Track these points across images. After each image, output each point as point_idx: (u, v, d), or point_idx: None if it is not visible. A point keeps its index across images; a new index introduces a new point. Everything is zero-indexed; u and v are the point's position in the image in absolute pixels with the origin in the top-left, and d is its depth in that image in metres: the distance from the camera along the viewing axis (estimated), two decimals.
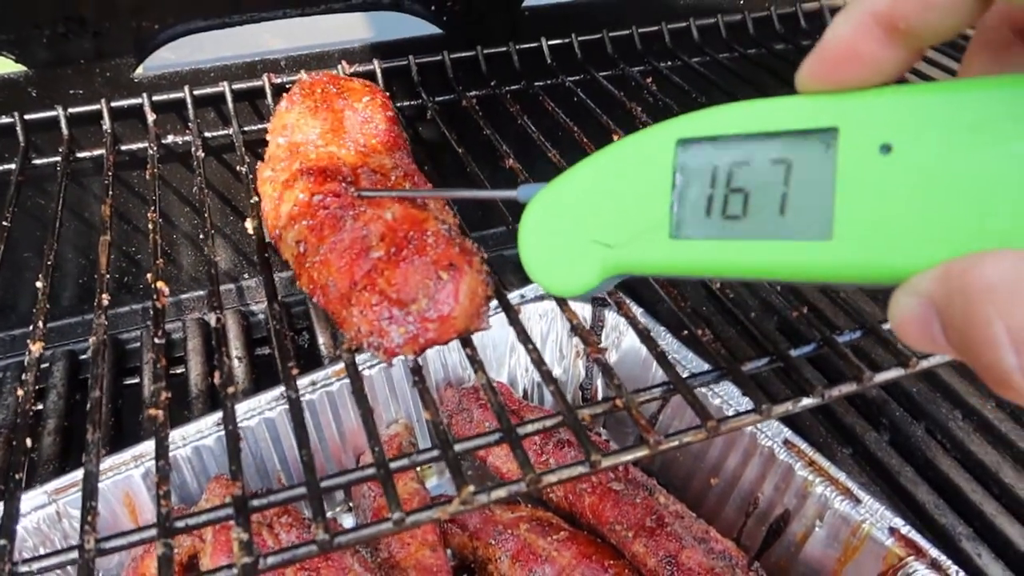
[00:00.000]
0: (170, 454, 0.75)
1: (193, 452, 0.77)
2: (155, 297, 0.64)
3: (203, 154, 0.83)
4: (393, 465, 0.50)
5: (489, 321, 0.56)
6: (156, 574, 0.59)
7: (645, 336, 0.61)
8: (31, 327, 0.62)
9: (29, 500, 0.72)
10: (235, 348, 1.05)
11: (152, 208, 0.74)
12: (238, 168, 0.83)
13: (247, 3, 0.89)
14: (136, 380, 1.03)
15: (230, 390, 0.55)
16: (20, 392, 0.55)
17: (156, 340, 0.60)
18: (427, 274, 0.54)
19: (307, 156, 0.68)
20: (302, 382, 0.82)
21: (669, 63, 1.06)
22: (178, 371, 1.04)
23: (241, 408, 0.80)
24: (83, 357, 1.06)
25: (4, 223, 0.73)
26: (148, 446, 0.76)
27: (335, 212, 0.60)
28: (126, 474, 0.74)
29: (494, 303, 0.91)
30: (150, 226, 0.72)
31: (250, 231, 0.70)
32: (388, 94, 0.81)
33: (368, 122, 0.74)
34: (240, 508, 0.47)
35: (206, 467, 0.78)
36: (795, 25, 1.16)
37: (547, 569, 0.75)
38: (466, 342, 0.56)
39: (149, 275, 0.67)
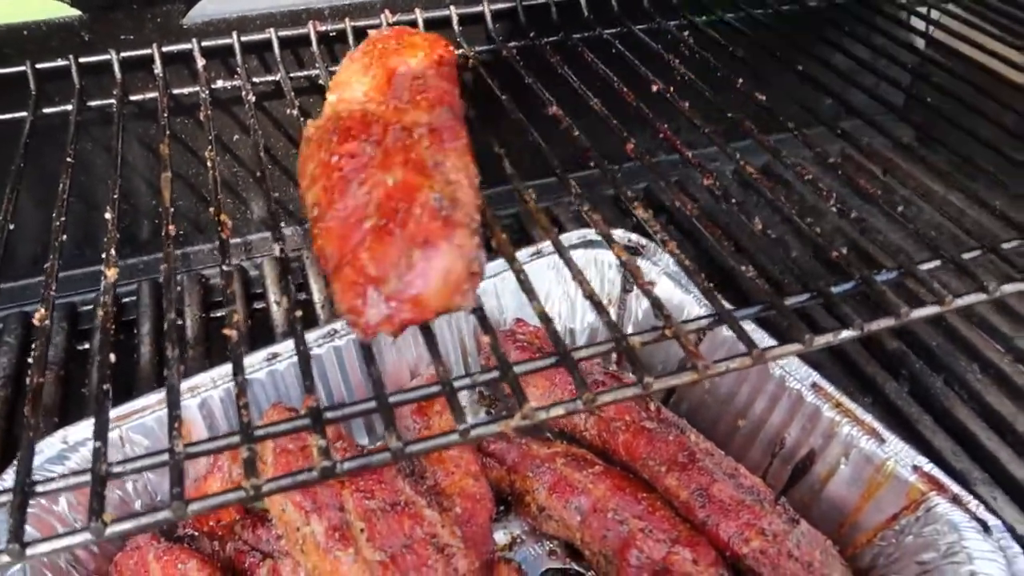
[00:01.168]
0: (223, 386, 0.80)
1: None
2: (219, 230, 0.67)
3: (253, 98, 0.86)
4: (457, 384, 0.53)
5: (473, 298, 0.56)
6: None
7: (690, 271, 0.64)
8: (103, 255, 0.65)
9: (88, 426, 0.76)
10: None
11: (210, 147, 0.77)
12: (288, 111, 0.85)
13: None
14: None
15: (298, 313, 0.59)
16: (101, 313, 0.59)
17: (224, 267, 0.63)
18: (402, 251, 0.54)
19: (344, 114, 0.70)
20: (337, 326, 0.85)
21: (704, 17, 1.08)
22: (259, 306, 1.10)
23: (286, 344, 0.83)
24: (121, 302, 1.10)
25: (68, 159, 0.76)
26: (206, 376, 0.80)
27: (347, 174, 0.61)
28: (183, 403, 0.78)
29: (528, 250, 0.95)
30: (209, 164, 0.75)
31: None
32: (451, 47, 0.82)
33: (418, 78, 0.75)
34: (316, 418, 0.51)
35: (257, 398, 0.82)
36: None
37: (583, 500, 0.79)
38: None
39: (212, 209, 0.70)
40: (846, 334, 0.56)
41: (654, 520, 0.76)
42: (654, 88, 0.91)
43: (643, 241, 1.00)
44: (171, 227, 0.67)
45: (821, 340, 0.56)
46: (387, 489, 0.70)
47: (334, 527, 0.66)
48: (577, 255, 0.97)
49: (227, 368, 0.80)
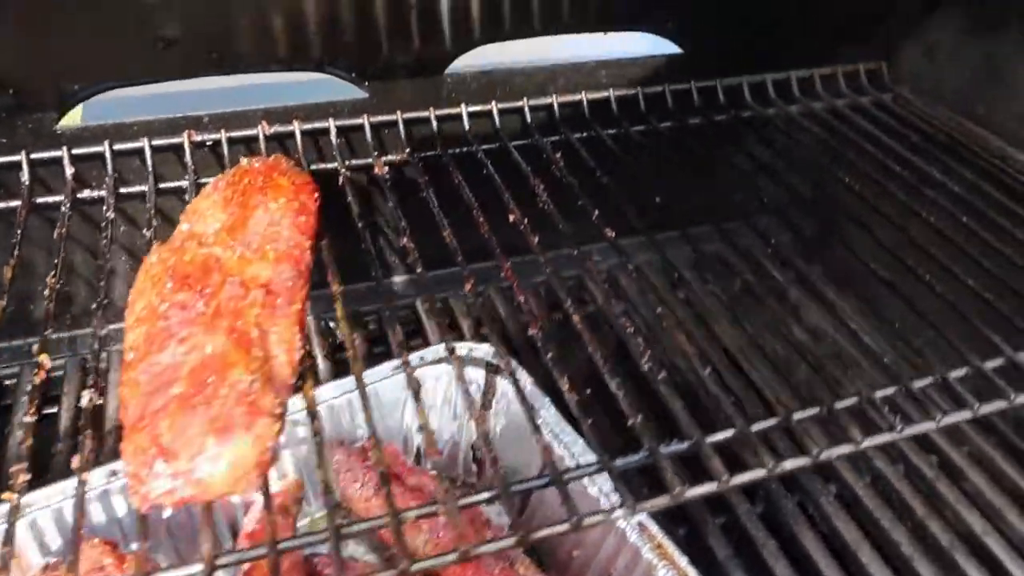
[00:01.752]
0: None
1: None
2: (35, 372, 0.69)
3: (112, 215, 0.88)
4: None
5: (259, 484, 0.58)
6: None
7: (532, 419, 0.66)
8: None
9: None
10: None
11: (53, 273, 0.79)
12: (144, 231, 0.86)
13: (165, 68, 0.92)
14: None
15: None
16: None
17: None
18: (199, 431, 0.56)
19: (189, 251, 0.72)
20: None
21: (611, 130, 1.11)
22: None
23: None
24: None
25: None
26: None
27: (172, 327, 0.63)
28: None
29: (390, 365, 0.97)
30: (48, 286, 0.77)
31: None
32: (317, 194, 0.83)
33: (273, 225, 0.76)
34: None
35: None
36: (712, 101, 1.20)
37: None
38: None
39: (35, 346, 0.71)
40: (660, 501, 0.59)
41: None
42: (511, 217, 0.93)
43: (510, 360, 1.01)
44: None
45: (644, 505, 0.59)
46: None
47: None
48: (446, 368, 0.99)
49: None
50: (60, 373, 1.06)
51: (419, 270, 0.83)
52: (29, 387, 0.71)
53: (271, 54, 0.97)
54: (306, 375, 0.71)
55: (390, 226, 1.15)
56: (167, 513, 0.59)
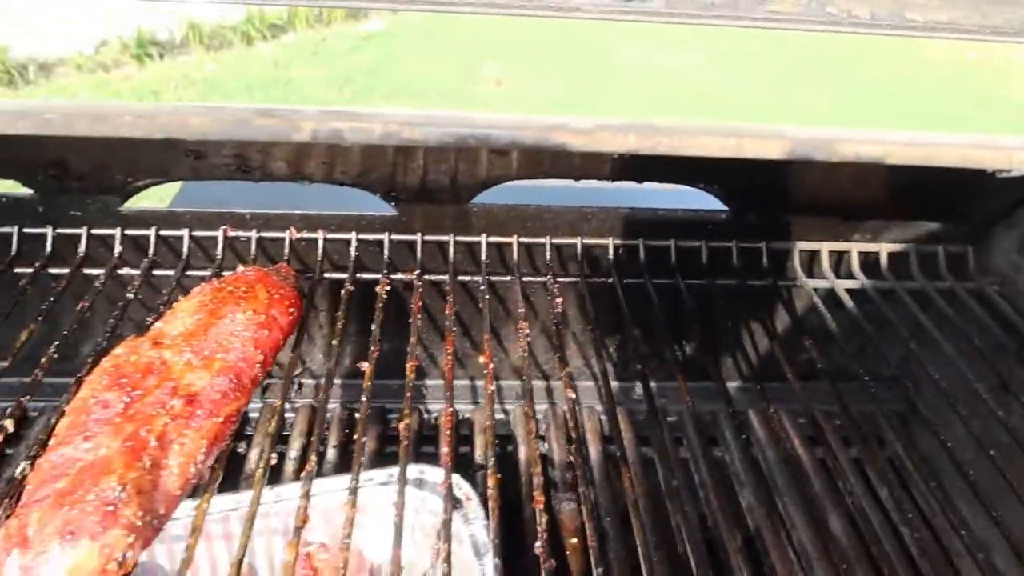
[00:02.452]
0: None
1: None
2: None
3: (132, 295, 0.98)
4: None
5: None
6: None
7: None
8: None
9: None
10: None
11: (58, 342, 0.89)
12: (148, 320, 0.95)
13: (201, 173, 1.02)
14: None
15: None
16: None
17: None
18: (53, 531, 0.61)
19: (142, 351, 0.79)
20: None
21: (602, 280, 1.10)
22: None
23: None
24: None
25: None
26: None
27: (87, 422, 0.70)
28: None
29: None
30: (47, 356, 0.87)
31: None
32: (293, 310, 0.89)
33: (232, 336, 0.82)
34: None
35: None
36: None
37: None
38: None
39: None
40: None
41: None
42: (482, 359, 0.93)
43: (472, 494, 1.01)
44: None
45: None
46: None
47: None
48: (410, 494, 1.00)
49: None
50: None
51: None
52: None
53: (304, 173, 1.05)
54: (206, 487, 0.76)
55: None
56: None
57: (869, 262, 1.16)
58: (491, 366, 0.91)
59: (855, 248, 1.15)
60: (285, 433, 1.22)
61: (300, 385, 1.31)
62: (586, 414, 1.25)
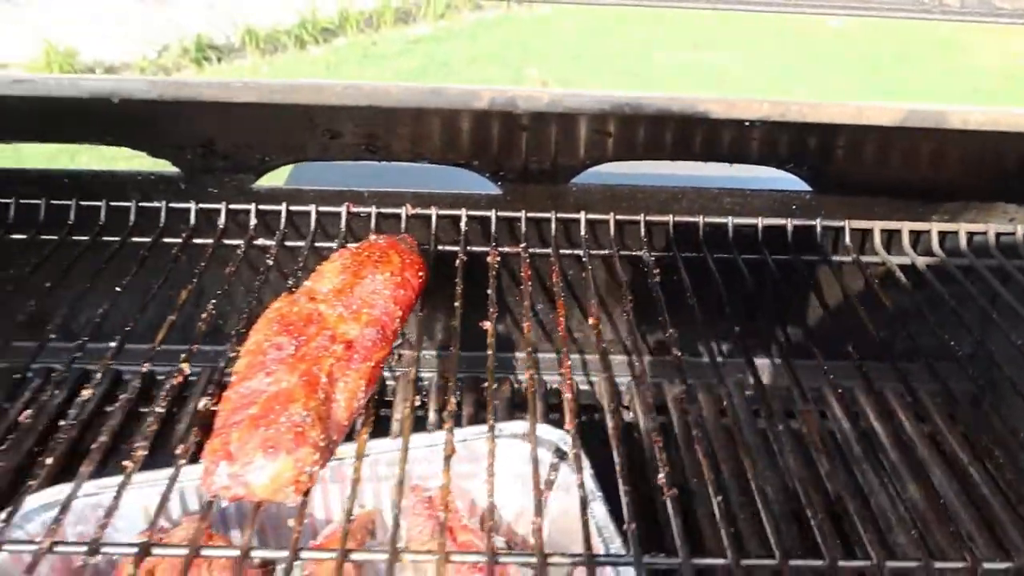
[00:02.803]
0: None
1: None
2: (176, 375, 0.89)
3: (271, 263, 1.09)
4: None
5: (296, 497, 0.74)
6: None
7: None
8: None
9: None
10: None
11: (214, 301, 1.00)
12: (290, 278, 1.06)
13: (334, 151, 1.13)
14: None
15: None
16: None
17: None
18: (255, 446, 0.72)
19: (300, 304, 0.89)
20: None
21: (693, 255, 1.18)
22: None
23: None
24: None
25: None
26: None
27: (266, 362, 0.80)
28: None
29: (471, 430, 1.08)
30: (207, 311, 0.98)
31: None
32: (422, 274, 0.99)
33: (374, 294, 0.93)
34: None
35: None
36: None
37: None
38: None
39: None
40: None
41: None
42: (590, 320, 1.02)
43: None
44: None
45: None
46: None
47: None
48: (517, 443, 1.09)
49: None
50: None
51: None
52: (168, 387, 0.90)
53: (422, 153, 1.15)
54: (365, 423, 0.86)
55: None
56: (224, 503, 0.75)
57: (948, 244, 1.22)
58: (599, 328, 1.00)
59: (935, 228, 1.21)
60: (388, 399, 1.32)
61: (399, 356, 1.40)
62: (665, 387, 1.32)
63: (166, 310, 1.01)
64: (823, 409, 1.28)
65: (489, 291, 1.06)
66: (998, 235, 1.22)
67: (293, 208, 1.18)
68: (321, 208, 1.18)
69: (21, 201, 1.17)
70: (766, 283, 1.15)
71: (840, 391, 1.11)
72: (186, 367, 0.92)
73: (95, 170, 1.18)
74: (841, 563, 0.75)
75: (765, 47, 7.24)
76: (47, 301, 1.05)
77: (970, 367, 1.05)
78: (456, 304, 1.03)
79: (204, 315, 1.00)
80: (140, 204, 1.17)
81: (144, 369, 0.94)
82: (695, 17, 7.08)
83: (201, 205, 1.17)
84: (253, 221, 1.17)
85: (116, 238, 1.14)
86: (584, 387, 1.36)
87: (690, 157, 1.19)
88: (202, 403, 0.86)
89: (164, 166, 1.18)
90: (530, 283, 1.08)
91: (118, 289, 1.05)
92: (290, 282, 1.03)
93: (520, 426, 1.11)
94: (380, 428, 1.23)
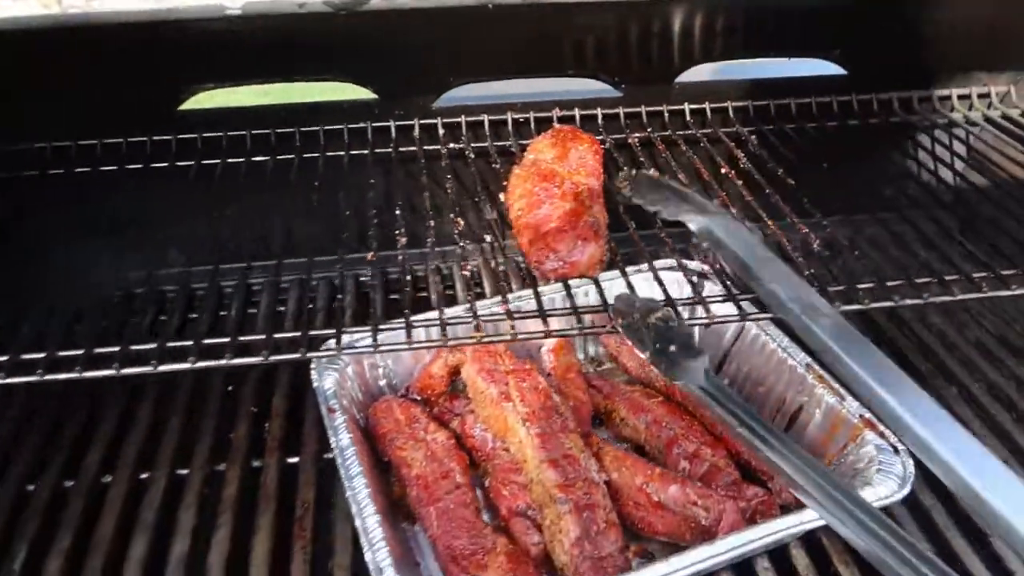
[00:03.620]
0: None
1: None
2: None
3: (473, 156, 1.43)
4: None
5: (598, 274, 1.10)
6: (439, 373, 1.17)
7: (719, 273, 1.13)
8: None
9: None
10: None
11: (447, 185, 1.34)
12: (493, 165, 1.40)
13: (505, 71, 1.47)
14: None
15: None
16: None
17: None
18: (573, 240, 1.08)
19: (539, 166, 1.24)
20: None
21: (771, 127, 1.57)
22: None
23: None
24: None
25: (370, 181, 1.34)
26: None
27: (542, 198, 1.16)
28: None
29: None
30: (448, 188, 1.31)
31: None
32: (600, 145, 1.36)
33: (582, 158, 1.29)
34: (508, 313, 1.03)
35: None
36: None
37: (648, 415, 1.26)
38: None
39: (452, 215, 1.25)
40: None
41: (691, 431, 1.23)
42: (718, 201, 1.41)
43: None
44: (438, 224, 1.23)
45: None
46: (532, 381, 1.21)
47: (501, 392, 1.18)
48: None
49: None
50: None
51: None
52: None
53: (560, 67, 1.50)
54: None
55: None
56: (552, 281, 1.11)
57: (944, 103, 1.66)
58: (724, 195, 1.39)
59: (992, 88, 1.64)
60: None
61: None
62: None
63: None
64: None
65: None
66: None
67: (469, 119, 1.51)
68: (490, 117, 1.52)
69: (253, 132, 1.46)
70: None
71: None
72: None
73: (308, 102, 1.49)
74: None
75: None
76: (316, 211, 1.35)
77: None
78: (626, 171, 1.39)
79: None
80: (350, 126, 1.48)
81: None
82: None
83: (398, 123, 1.49)
84: (441, 131, 1.49)
85: (340, 152, 1.45)
86: None
87: (751, 54, 1.58)
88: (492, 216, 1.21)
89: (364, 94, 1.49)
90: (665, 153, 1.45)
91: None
92: (496, 165, 1.37)
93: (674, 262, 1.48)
94: None
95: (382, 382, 1.33)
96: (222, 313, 1.60)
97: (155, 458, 1.28)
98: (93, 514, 1.20)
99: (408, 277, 1.29)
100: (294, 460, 1.28)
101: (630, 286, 1.16)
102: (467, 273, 1.41)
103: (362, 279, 1.66)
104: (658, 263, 1.30)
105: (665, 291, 1.13)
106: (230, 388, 1.42)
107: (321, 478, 1.26)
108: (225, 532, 1.16)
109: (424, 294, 1.66)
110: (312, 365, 1.24)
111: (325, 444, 1.30)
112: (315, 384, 1.22)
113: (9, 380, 0.97)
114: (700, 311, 1.11)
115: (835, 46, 1.58)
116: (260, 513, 1.19)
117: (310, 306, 1.61)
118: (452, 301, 1.60)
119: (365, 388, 1.30)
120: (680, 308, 1.09)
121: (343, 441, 1.13)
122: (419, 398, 1.29)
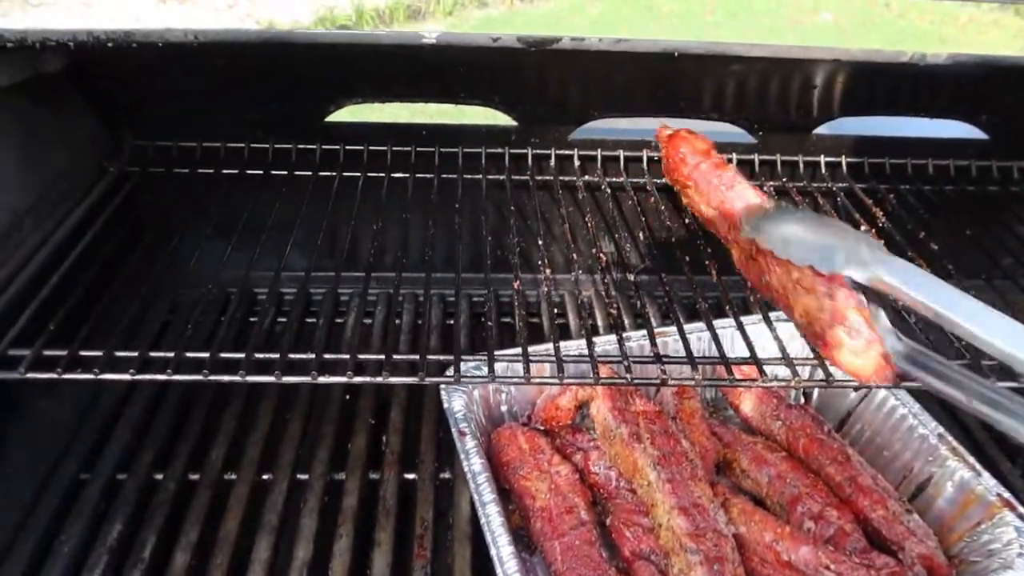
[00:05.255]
0: None
1: None
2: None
3: (609, 190, 1.43)
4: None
5: None
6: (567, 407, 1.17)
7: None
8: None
9: None
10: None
11: (588, 215, 1.34)
12: (636, 196, 1.40)
13: (637, 108, 1.47)
14: None
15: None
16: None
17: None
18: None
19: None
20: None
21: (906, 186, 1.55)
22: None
23: None
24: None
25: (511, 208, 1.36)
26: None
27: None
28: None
29: None
30: (588, 221, 1.32)
31: None
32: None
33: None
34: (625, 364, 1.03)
35: None
36: None
37: (771, 470, 1.24)
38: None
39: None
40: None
41: (815, 490, 1.21)
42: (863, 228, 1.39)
43: None
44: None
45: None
46: (661, 424, 1.20)
47: (632, 433, 1.17)
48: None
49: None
50: None
51: None
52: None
53: (709, 111, 1.50)
54: None
55: None
56: None
57: None
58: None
59: None
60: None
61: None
62: None
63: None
64: None
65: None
66: None
67: (604, 153, 1.52)
68: (626, 153, 1.52)
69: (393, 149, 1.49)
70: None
71: None
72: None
73: (450, 124, 1.51)
74: None
75: (760, 38, 7.70)
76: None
77: None
78: None
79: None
80: (488, 150, 1.50)
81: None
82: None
83: (535, 151, 1.51)
84: (576, 163, 1.51)
85: (477, 176, 1.47)
86: None
87: (897, 112, 1.56)
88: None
89: (505, 120, 1.51)
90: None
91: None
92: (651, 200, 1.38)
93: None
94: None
95: (503, 408, 1.33)
96: (338, 320, 1.64)
97: (276, 461, 1.31)
98: (218, 510, 1.22)
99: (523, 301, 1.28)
100: (411, 476, 1.30)
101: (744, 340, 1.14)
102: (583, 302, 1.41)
103: (475, 299, 1.69)
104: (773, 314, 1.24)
105: (782, 347, 1.10)
106: (348, 397, 1.45)
107: (438, 497, 1.27)
108: (346, 543, 1.18)
109: (536, 320, 1.67)
110: (442, 386, 1.26)
111: (441, 462, 1.32)
112: (445, 405, 1.23)
113: (141, 377, 0.99)
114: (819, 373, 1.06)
115: (981, 110, 1.54)
116: (379, 527, 1.20)
117: (419, 321, 1.64)
118: (565, 330, 1.61)
119: (488, 413, 1.31)
120: (798, 367, 1.06)
121: (475, 466, 1.13)
122: (542, 428, 1.29)
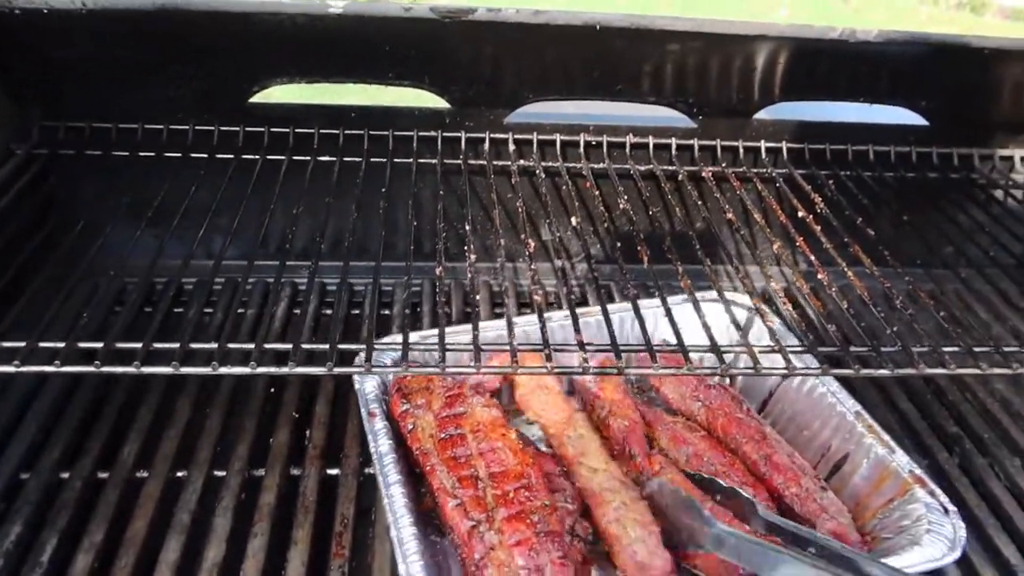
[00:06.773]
0: None
1: None
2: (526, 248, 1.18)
3: (544, 175, 1.39)
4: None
5: None
6: None
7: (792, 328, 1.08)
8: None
9: None
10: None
11: (519, 200, 1.29)
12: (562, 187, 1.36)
13: (578, 91, 1.43)
14: None
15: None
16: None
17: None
18: None
19: None
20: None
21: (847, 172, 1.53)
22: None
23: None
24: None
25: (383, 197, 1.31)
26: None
27: None
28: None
29: None
30: (520, 205, 1.27)
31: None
32: None
33: None
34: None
35: None
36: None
37: (689, 449, 1.20)
38: None
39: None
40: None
41: (732, 469, 1.17)
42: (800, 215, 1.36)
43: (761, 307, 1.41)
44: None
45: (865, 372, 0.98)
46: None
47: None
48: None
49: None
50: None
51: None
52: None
53: (648, 94, 1.46)
54: None
55: None
56: None
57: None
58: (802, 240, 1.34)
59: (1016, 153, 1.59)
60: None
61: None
62: None
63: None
64: None
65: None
66: None
67: (540, 137, 1.47)
68: (562, 137, 1.48)
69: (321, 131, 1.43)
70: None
71: None
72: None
73: (383, 106, 1.45)
74: None
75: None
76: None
77: None
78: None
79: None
80: (420, 134, 1.45)
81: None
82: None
83: (468, 135, 1.46)
84: (511, 147, 1.46)
85: (408, 160, 1.42)
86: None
87: (837, 97, 1.54)
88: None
89: (439, 102, 1.45)
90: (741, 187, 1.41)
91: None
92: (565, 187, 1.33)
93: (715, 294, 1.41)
94: None
95: None
96: (239, 311, 1.56)
97: (192, 457, 1.24)
98: (127, 510, 1.16)
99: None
100: (334, 472, 1.24)
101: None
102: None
103: (414, 288, 1.63)
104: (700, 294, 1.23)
105: (710, 334, 1.07)
106: (272, 390, 1.39)
107: (361, 493, 1.21)
108: (261, 541, 1.12)
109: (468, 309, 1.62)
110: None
111: (366, 458, 1.26)
112: (357, 387, 1.19)
113: (67, 368, 0.93)
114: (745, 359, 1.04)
115: (920, 96, 1.53)
116: (297, 525, 1.15)
117: (355, 312, 1.58)
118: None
119: None
120: (724, 354, 1.04)
121: (382, 447, 1.09)
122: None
